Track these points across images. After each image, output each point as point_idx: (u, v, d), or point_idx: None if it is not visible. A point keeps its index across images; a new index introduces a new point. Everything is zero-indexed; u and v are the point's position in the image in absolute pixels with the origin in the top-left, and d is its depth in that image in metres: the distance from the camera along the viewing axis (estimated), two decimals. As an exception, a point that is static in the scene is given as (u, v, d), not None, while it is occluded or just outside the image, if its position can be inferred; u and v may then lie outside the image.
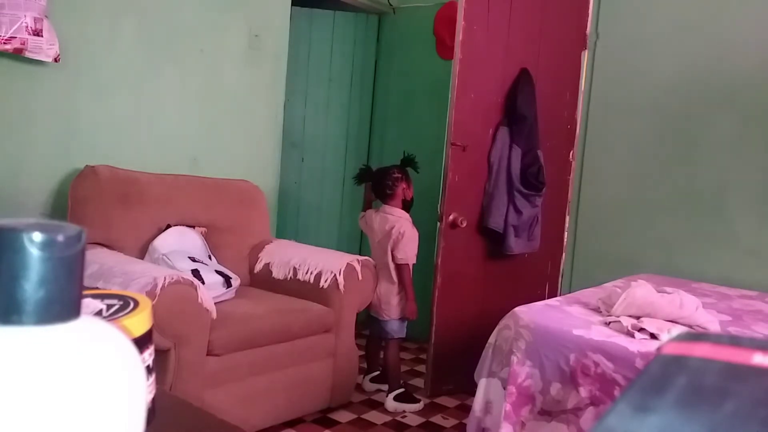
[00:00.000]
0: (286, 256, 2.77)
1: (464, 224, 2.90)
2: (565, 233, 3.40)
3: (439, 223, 2.90)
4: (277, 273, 2.75)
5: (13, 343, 0.26)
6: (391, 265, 2.78)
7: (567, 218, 3.39)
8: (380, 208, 2.86)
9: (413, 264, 2.82)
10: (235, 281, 2.55)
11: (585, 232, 3.45)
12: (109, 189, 2.48)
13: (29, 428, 0.25)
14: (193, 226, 2.66)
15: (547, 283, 3.37)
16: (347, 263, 2.61)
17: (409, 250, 2.76)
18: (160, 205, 2.62)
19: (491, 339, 2.13)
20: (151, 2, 2.80)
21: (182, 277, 2.07)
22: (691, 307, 1.99)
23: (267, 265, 2.80)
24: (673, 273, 3.07)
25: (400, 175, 2.84)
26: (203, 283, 2.25)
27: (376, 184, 2.86)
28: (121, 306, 0.48)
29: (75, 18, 2.54)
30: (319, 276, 2.61)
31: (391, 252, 2.77)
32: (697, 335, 0.27)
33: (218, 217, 2.82)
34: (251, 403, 2.31)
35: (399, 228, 2.76)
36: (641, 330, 1.86)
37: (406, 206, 2.87)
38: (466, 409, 2.58)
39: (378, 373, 2.97)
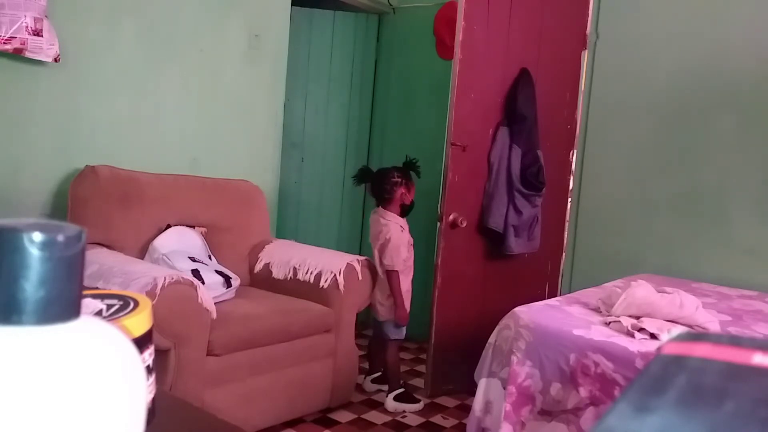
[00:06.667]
0: (286, 256, 2.77)
1: (464, 224, 2.90)
2: (565, 233, 3.40)
3: (439, 223, 2.89)
4: (277, 273, 2.75)
5: (13, 343, 0.26)
6: (380, 270, 2.77)
7: (567, 218, 3.39)
8: (376, 210, 2.84)
9: (409, 268, 2.78)
10: (235, 281, 2.55)
11: (585, 232, 3.45)
12: (109, 189, 2.48)
13: (29, 428, 0.25)
14: (193, 226, 2.66)
15: (547, 283, 3.37)
16: (347, 263, 2.61)
17: (394, 257, 2.72)
18: (160, 205, 2.62)
19: (491, 339, 2.13)
20: (151, 2, 2.80)
21: (182, 277, 2.07)
22: (691, 307, 1.99)
23: (267, 265, 2.80)
24: (673, 273, 3.07)
25: (399, 180, 2.79)
26: (203, 283, 2.25)
27: (375, 186, 2.84)
28: (121, 306, 0.48)
29: (75, 18, 2.54)
30: (319, 276, 2.61)
31: (379, 257, 2.76)
32: (697, 335, 0.27)
33: (218, 217, 2.82)
34: (251, 403, 2.31)
35: (386, 234, 2.73)
36: (641, 330, 1.86)
37: (405, 210, 2.84)
38: (466, 409, 2.58)
39: (379, 374, 2.97)
